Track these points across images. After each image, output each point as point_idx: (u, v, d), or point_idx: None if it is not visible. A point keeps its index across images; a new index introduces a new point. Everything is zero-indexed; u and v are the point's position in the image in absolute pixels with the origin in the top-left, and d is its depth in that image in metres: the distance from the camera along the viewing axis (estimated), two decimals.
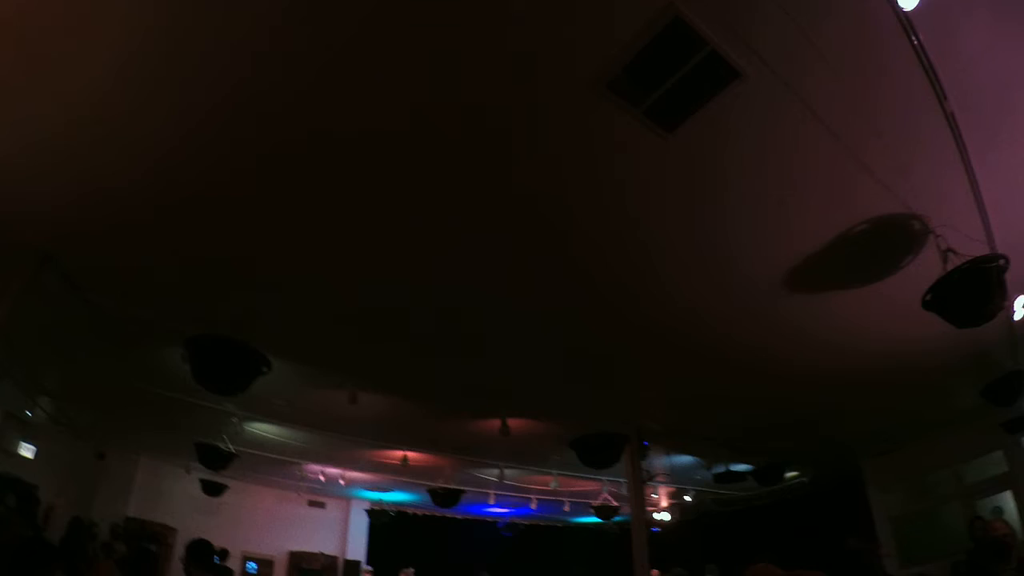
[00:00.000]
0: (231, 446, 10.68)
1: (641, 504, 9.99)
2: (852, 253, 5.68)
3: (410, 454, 12.51)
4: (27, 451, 10.85)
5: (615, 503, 13.77)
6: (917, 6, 3.34)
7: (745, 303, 6.59)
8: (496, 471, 13.35)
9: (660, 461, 12.14)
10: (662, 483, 14.01)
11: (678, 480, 13.99)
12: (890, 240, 5.48)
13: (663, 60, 3.79)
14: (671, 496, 15.73)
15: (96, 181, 5.07)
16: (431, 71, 3.95)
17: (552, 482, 13.44)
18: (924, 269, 5.24)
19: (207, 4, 3.54)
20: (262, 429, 11.30)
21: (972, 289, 4.92)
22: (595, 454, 9.62)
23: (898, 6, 3.36)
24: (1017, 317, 6.57)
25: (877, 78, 3.95)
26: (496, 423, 10.12)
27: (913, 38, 3.56)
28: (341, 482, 14.43)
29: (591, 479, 13.29)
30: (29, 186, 5.21)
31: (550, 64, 3.88)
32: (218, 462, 10.76)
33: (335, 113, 4.30)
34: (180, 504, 14.23)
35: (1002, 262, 4.90)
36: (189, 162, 4.82)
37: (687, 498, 15.00)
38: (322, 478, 14.14)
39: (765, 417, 10.17)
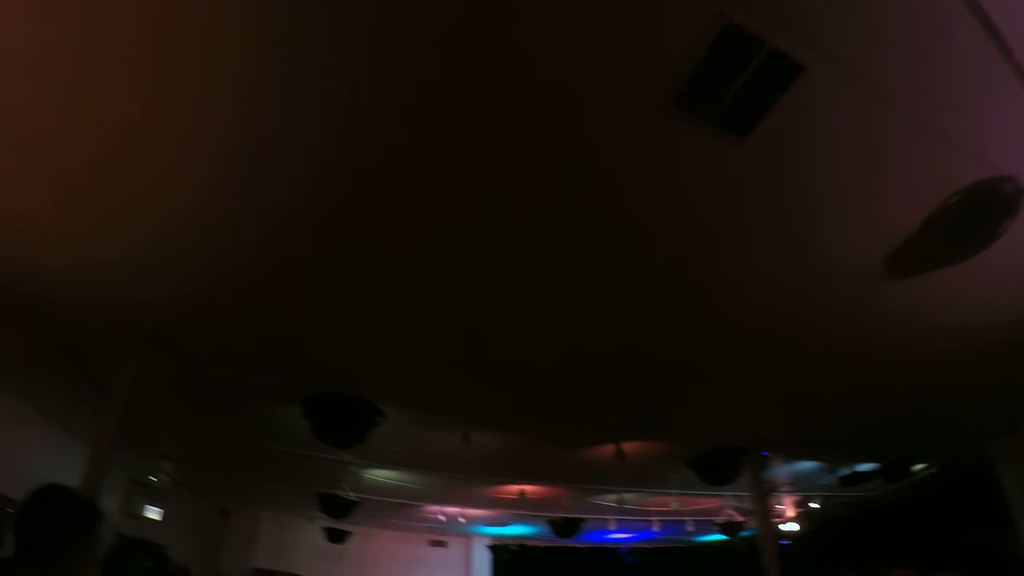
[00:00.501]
0: (351, 494, 11.01)
1: (767, 517, 9.76)
2: (948, 228, 5.36)
3: (527, 487, 12.57)
4: (154, 513, 11.44)
5: (740, 518, 13.47)
6: None
7: (844, 297, 6.32)
8: (615, 496, 13.25)
9: (782, 470, 11.84)
10: (786, 493, 13.63)
11: (803, 488, 13.59)
12: (985, 207, 5.20)
13: (724, 67, 3.75)
14: (797, 505, 15.27)
15: (203, 266, 5.57)
16: (502, 123, 4.15)
17: (673, 503, 13.25)
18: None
19: (298, 105, 3.95)
20: (380, 475, 11.61)
21: None
22: (714, 471, 9.49)
23: None
24: None
25: (942, 41, 3.73)
26: (610, 448, 10.08)
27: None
28: (461, 520, 14.59)
29: (713, 495, 13.00)
30: (143, 276, 5.75)
31: (608, 95, 3.96)
32: (340, 510, 11.12)
33: (425, 170, 4.53)
34: (305, 553, 14.70)
35: None
36: (289, 239, 5.20)
37: (813, 505, 14.55)
38: (442, 517, 14.35)
39: (881, 411, 9.76)
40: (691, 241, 5.44)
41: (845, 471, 11.92)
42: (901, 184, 4.96)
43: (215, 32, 3.55)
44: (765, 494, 9.78)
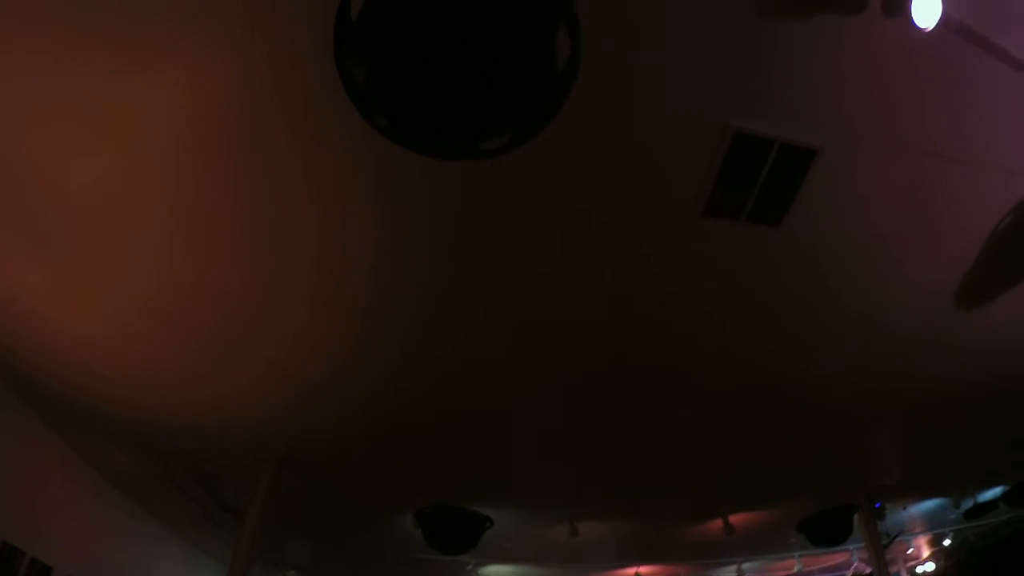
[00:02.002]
0: None
1: (884, 569, 9.36)
2: (1011, 248, 5.31)
3: (642, 568, 12.45)
4: None
5: (869, 568, 12.87)
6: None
7: (918, 337, 6.30)
8: (734, 567, 12.88)
9: (902, 515, 11.36)
10: (911, 535, 13.03)
11: (931, 526, 12.98)
12: None
13: (744, 170, 4.07)
14: (930, 544, 14.53)
15: (330, 405, 6.54)
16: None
17: (796, 565, 12.80)
18: None
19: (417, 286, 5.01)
20: (497, 570, 11.89)
21: None
22: (824, 533, 9.43)
23: (916, 28, 3.30)
24: None
25: (942, 75, 3.85)
26: (719, 523, 9.97)
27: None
28: None
29: (839, 550, 12.51)
30: (275, 419, 6.71)
31: (646, 220, 4.49)
32: None
33: (534, 312, 5.34)
34: None
35: None
36: (410, 385, 6.22)
37: (946, 542, 13.83)
38: None
39: (998, 436, 9.33)
40: (765, 318, 5.70)
41: (968, 503, 11.34)
42: (948, 221, 4.98)
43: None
44: (882, 546, 9.38)
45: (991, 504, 11.20)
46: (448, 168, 3.74)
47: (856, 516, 9.47)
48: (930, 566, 14.86)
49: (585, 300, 5.21)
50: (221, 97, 3.52)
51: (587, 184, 4.14)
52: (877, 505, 9.64)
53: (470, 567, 11.08)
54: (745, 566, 12.79)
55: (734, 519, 9.85)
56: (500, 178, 4.01)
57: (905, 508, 11.27)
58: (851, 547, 12.16)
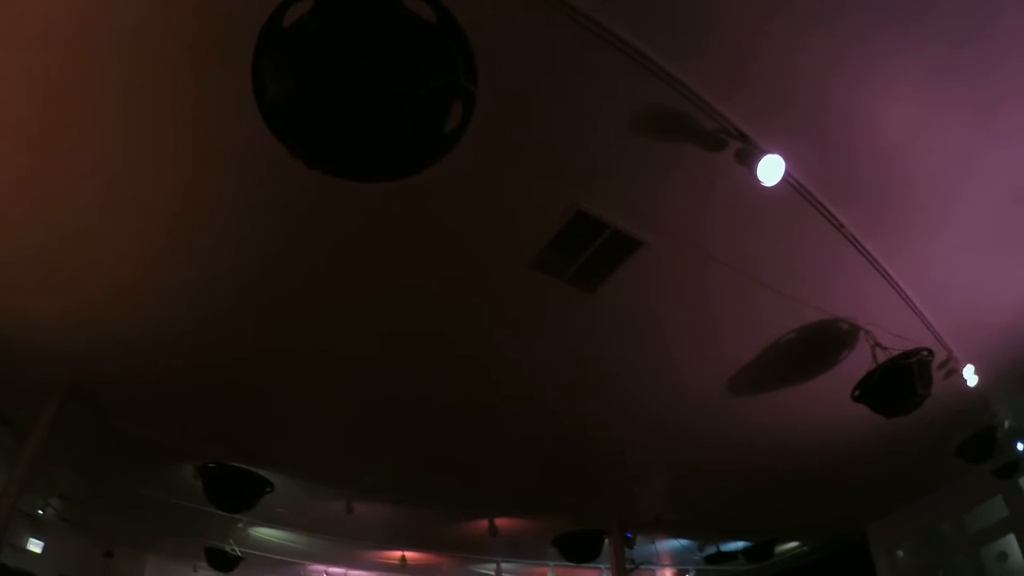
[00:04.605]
0: (237, 549, 11.21)
1: None
2: (787, 357, 6.14)
3: (408, 554, 12.70)
4: (35, 546, 11.11)
5: None
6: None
7: (704, 408, 7.05)
8: (493, 565, 13.35)
9: (650, 547, 12.16)
10: (656, 567, 13.92)
11: (676, 562, 13.92)
12: (823, 341, 5.87)
13: (575, 241, 4.67)
14: None
15: (129, 329, 5.95)
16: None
17: (549, 573, 13.41)
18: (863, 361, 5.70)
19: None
20: (267, 533, 11.81)
21: (895, 384, 5.24)
22: (575, 551, 9.98)
23: (761, 184, 3.88)
24: (971, 384, 6.44)
25: (772, 217, 4.63)
26: (485, 523, 10.45)
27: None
28: None
29: (590, 567, 13.20)
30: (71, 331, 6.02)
31: (486, 256, 4.96)
32: (225, 565, 11.24)
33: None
34: None
35: (925, 354, 5.20)
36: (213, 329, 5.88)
37: None
38: None
39: (753, 499, 10.17)
40: (561, 365, 6.27)
41: (711, 550, 12.28)
42: (733, 327, 5.80)
43: None
44: (627, 570, 10.08)
45: (731, 555, 12.22)
46: (337, 185, 3.69)
47: (607, 541, 10.08)
48: None
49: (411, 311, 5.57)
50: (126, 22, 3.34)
51: (452, 217, 4.56)
52: (628, 535, 10.30)
53: (240, 525, 10.96)
54: (504, 566, 13.33)
55: (500, 522, 10.36)
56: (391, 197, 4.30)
57: (654, 542, 12.11)
58: (601, 566, 12.92)
